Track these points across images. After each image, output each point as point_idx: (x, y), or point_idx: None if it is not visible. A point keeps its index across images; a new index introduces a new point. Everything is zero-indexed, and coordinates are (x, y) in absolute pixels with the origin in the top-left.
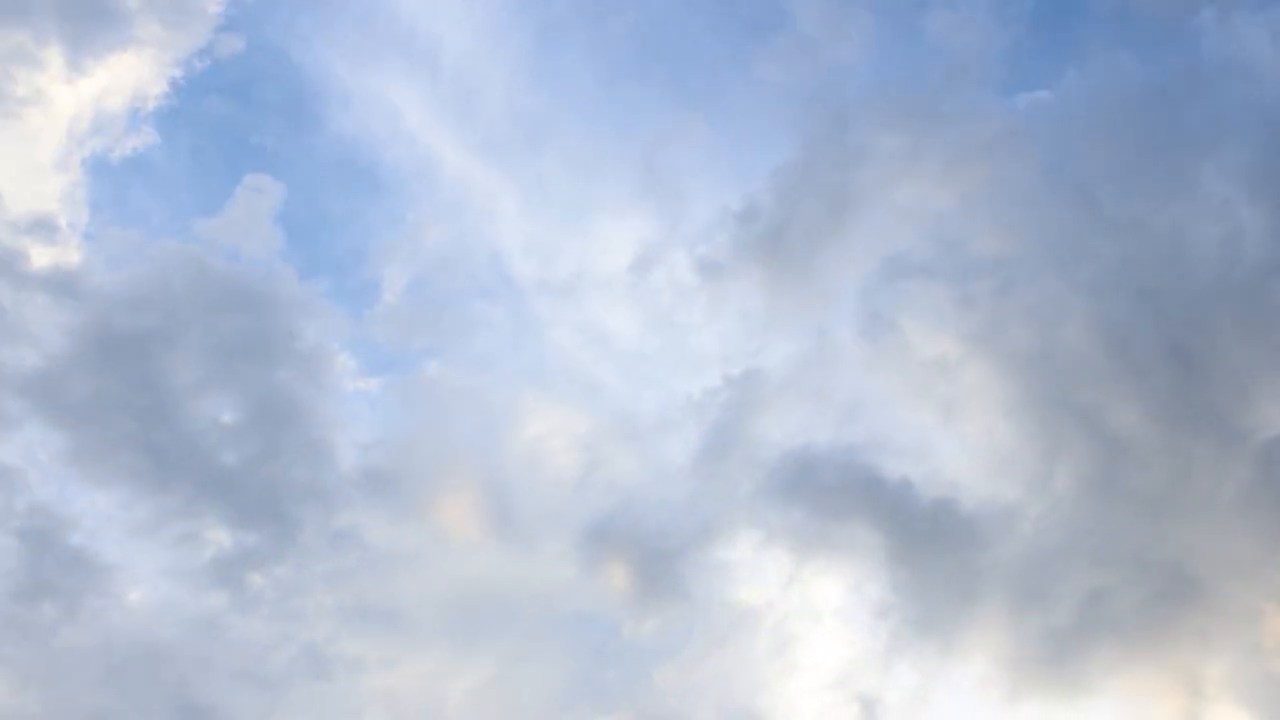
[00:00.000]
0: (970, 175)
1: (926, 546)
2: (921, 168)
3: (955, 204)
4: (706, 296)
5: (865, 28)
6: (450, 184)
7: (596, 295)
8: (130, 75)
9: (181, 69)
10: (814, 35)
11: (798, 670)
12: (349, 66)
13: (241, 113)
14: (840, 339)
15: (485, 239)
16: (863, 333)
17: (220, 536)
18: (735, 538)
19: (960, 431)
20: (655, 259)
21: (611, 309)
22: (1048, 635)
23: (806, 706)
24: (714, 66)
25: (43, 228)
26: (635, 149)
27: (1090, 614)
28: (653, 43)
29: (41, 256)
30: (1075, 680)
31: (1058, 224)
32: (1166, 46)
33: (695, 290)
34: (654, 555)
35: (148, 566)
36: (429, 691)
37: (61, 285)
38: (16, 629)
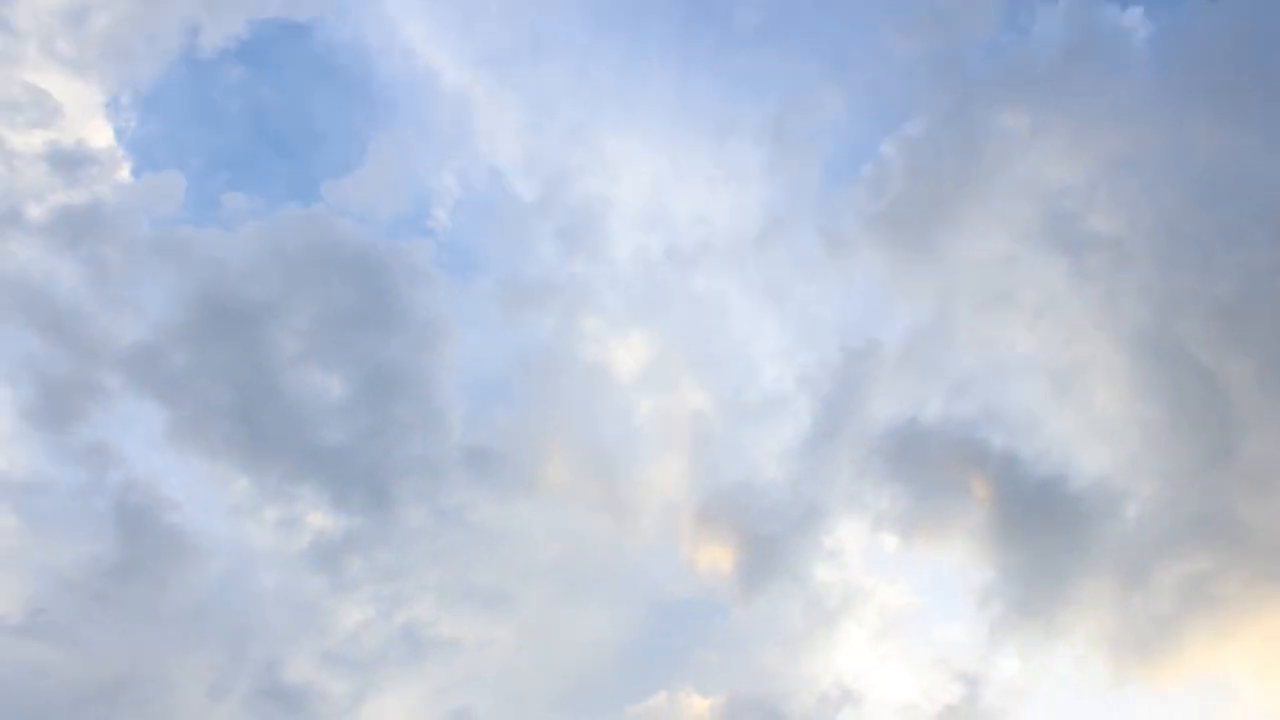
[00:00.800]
0: (1090, 152)
1: (1032, 525)
2: (1043, 143)
3: (1075, 179)
4: (829, 268)
5: (993, 3)
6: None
7: (720, 266)
8: None
9: None
10: (943, 8)
11: (900, 651)
12: None
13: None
14: (957, 312)
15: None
16: (979, 307)
17: (321, 517)
18: (841, 519)
19: (1072, 408)
20: (779, 230)
21: (734, 280)
22: (1151, 616)
23: (908, 687)
24: (845, 37)
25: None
26: (765, 118)
27: (1193, 596)
28: (789, 9)
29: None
30: (1176, 662)
31: (1176, 200)
32: None
33: (819, 261)
34: (761, 537)
35: (243, 545)
36: (525, 671)
37: (171, 248)
38: (110, 606)
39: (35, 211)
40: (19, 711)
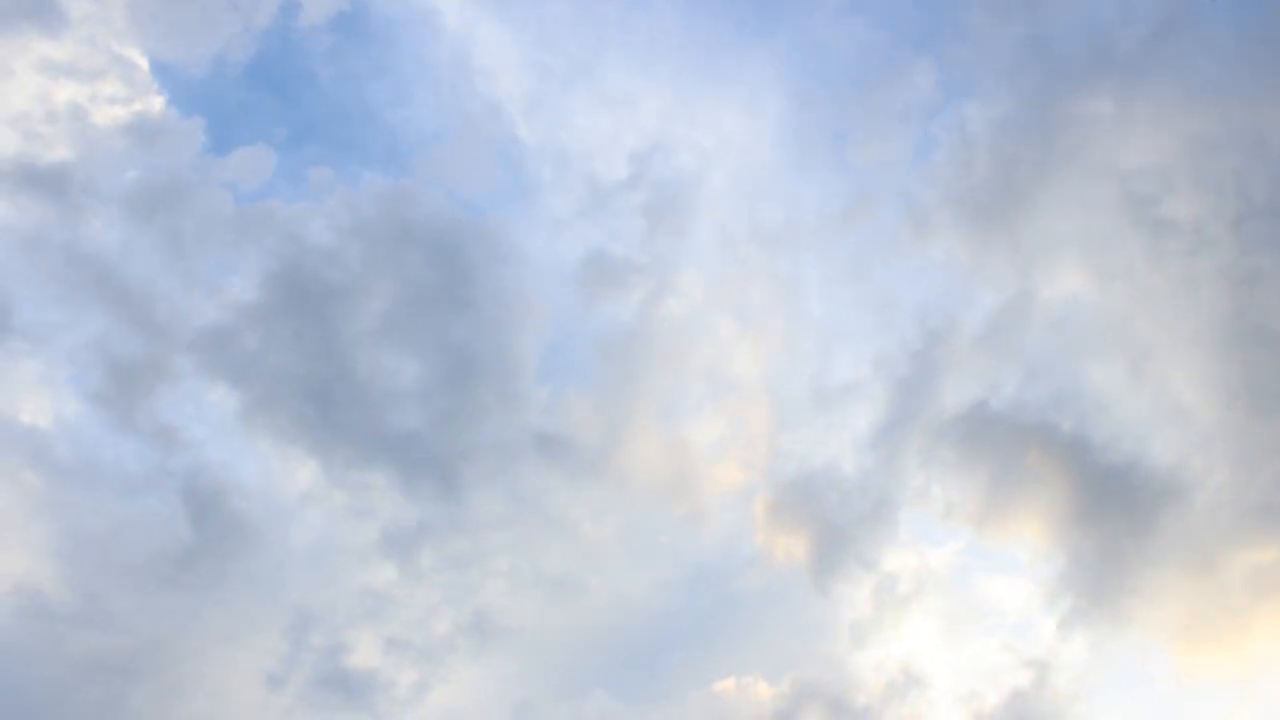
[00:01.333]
0: (1171, 134)
1: (1103, 511)
2: (1125, 125)
3: (1156, 162)
4: (911, 248)
5: None
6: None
7: (801, 245)
8: None
9: None
10: None
11: (968, 638)
12: None
13: None
14: (1034, 294)
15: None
16: (1057, 289)
17: (391, 501)
18: (912, 505)
19: (1147, 393)
20: (864, 208)
21: (816, 259)
22: (1221, 605)
23: (975, 674)
24: (932, 13)
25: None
26: (851, 93)
27: (1264, 585)
28: None
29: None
30: (1246, 651)
31: (1257, 183)
32: None
33: (901, 242)
34: (831, 523)
35: (311, 530)
36: (591, 658)
37: (253, 224)
38: (174, 591)
39: (115, 185)
40: (76, 698)
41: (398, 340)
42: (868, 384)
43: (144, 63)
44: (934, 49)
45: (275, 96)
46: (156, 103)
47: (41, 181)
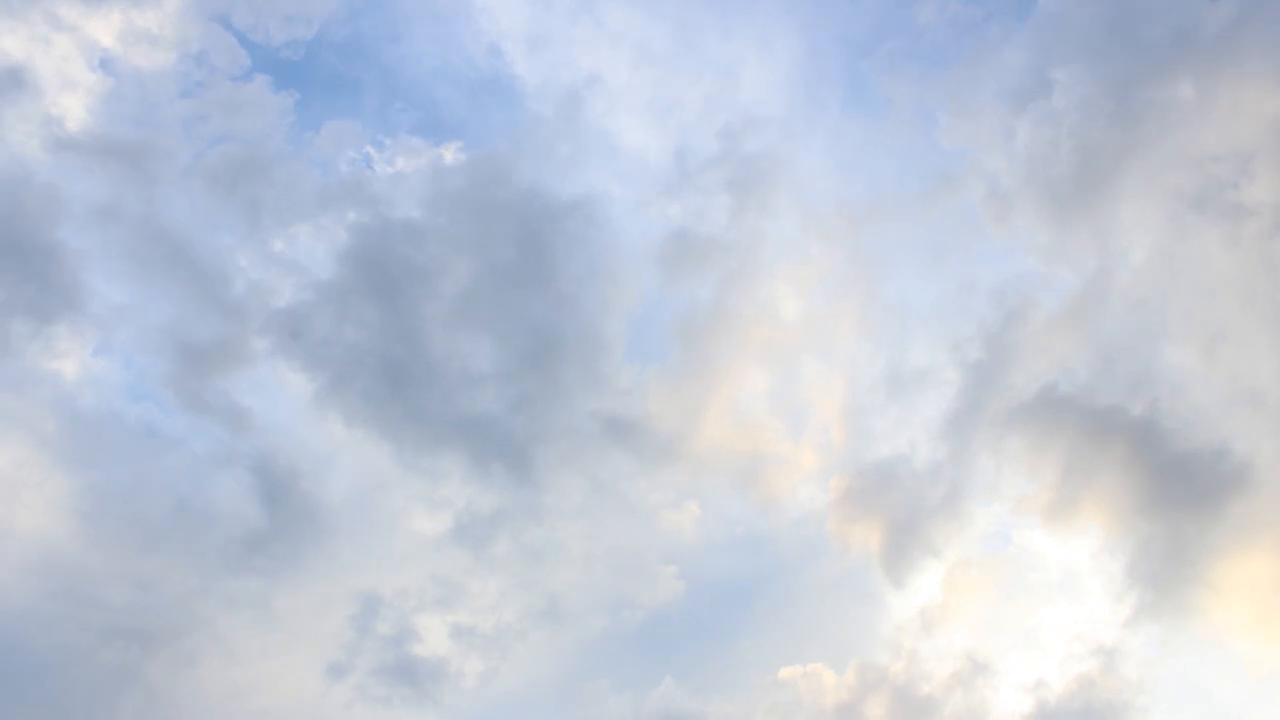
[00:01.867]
0: (1251, 119)
1: (1173, 498)
2: (1205, 110)
3: (1234, 147)
4: (993, 229)
5: None
6: None
7: (883, 224)
8: None
9: None
10: None
11: (1037, 625)
12: None
13: None
14: (1112, 277)
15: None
16: (1134, 272)
17: (463, 485)
18: (983, 491)
19: (1221, 378)
20: (947, 190)
21: (897, 240)
22: None
23: (1044, 660)
24: None
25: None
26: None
27: None
28: None
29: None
30: None
31: None
32: None
33: (982, 222)
34: (902, 510)
35: (380, 515)
36: (657, 645)
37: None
38: (242, 574)
39: (195, 158)
40: (129, 682)
41: (476, 320)
42: (943, 368)
43: (232, 37)
44: (1021, 33)
45: (366, 71)
46: (246, 75)
47: (121, 152)
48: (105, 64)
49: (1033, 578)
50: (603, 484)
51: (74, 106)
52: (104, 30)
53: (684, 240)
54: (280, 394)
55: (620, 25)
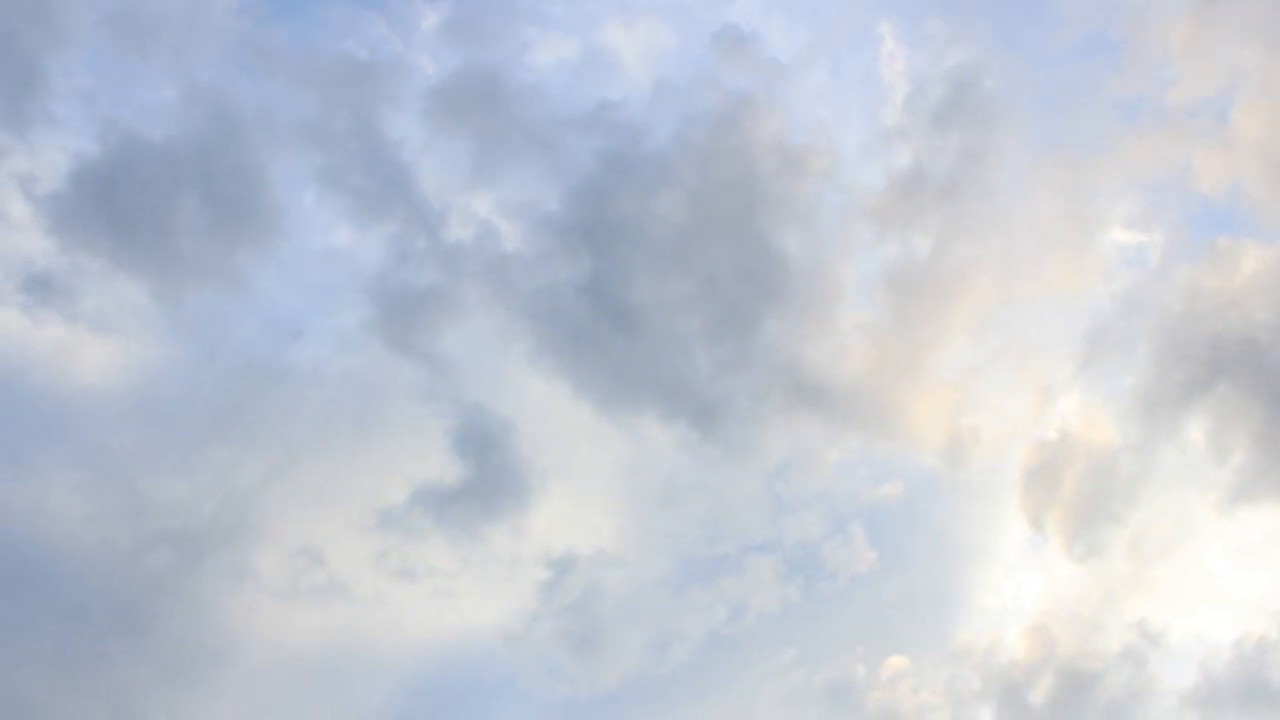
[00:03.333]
0: None
1: None
2: None
3: None
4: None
5: None
6: None
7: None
8: None
9: None
10: None
11: (1215, 598)
12: None
13: None
14: None
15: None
16: None
17: (658, 448)
18: (1161, 466)
19: None
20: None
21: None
22: None
23: (1224, 636)
24: None
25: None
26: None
27: None
28: None
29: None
30: None
31: None
32: None
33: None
34: (1085, 482)
35: (580, 474)
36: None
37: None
38: (438, 529)
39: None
40: (324, 651)
41: (689, 274)
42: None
43: None
44: None
45: None
46: None
47: (345, 74)
48: None
49: (1216, 553)
50: (800, 447)
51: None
52: None
53: (899, 189)
54: (485, 343)
55: None
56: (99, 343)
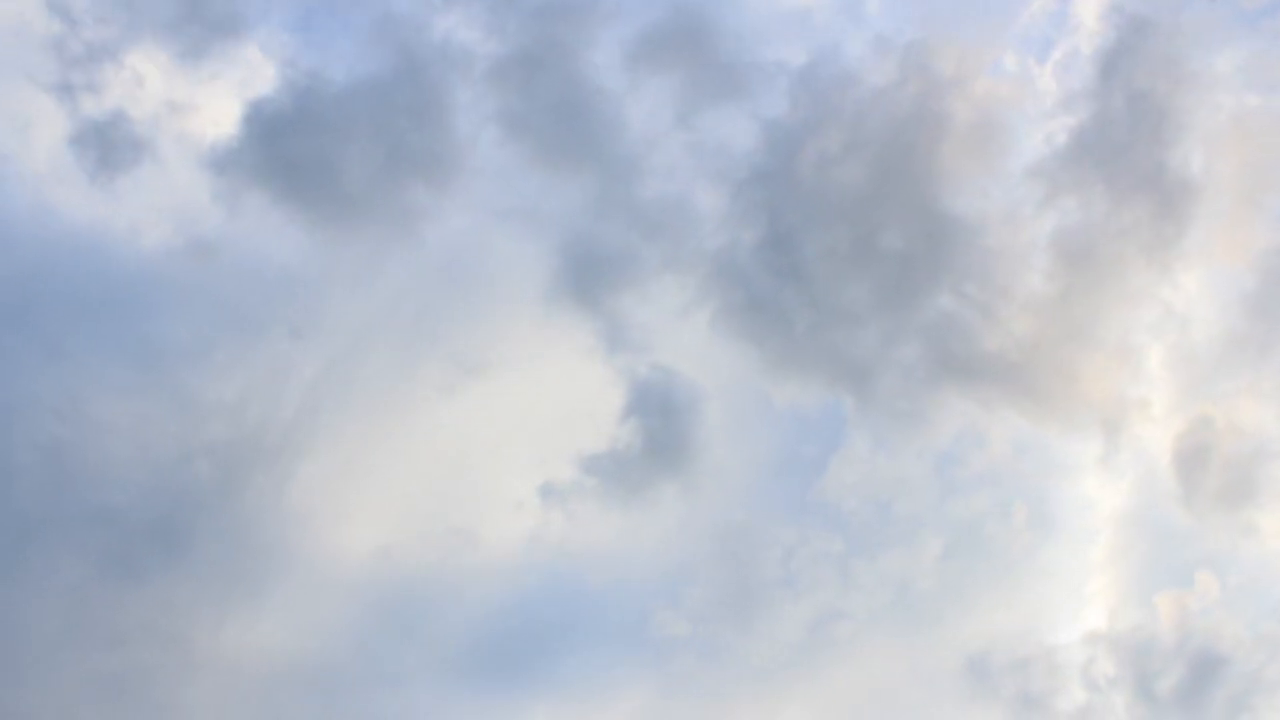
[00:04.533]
0: None
1: None
2: None
3: None
4: None
5: None
6: None
7: None
8: None
9: None
10: None
11: None
12: None
13: None
14: None
15: None
16: None
17: (828, 423)
18: None
19: None
20: None
21: None
22: None
23: None
24: None
25: None
26: None
27: None
28: None
29: None
30: None
31: None
32: None
33: None
34: (1246, 472)
35: (756, 447)
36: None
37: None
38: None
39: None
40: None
41: (864, 243)
42: None
43: None
44: None
45: None
46: None
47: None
48: None
49: None
50: (964, 422)
51: None
52: None
53: (1072, 151)
54: (663, 300)
55: None
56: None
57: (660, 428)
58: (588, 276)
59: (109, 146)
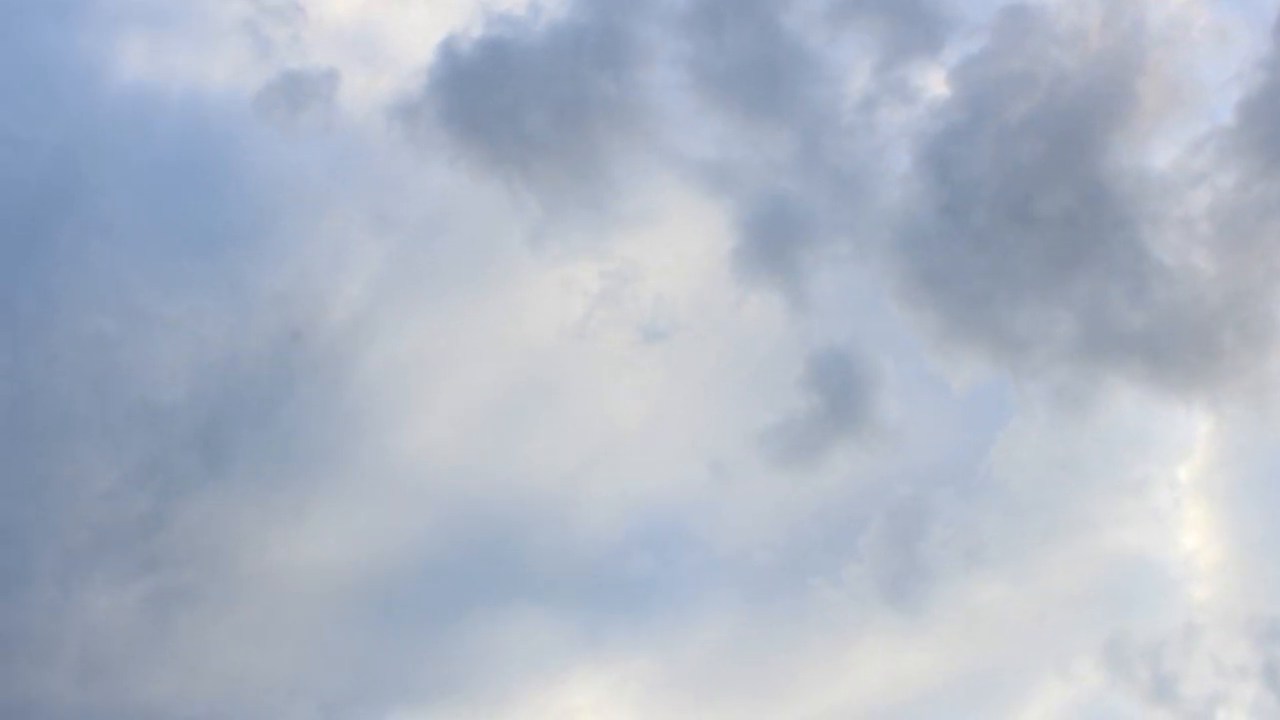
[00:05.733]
0: None
1: None
2: None
3: None
4: None
5: None
6: None
7: None
8: None
9: None
10: None
11: None
12: None
13: None
14: None
15: None
16: None
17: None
18: None
19: None
20: None
21: None
22: None
23: None
24: None
25: None
26: None
27: None
28: None
29: None
30: None
31: None
32: None
33: None
34: None
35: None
36: None
37: None
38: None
39: None
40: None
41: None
42: None
43: None
44: None
45: None
46: None
47: None
48: None
49: None
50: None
51: None
52: None
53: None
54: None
55: None
56: None
57: (833, 395)
58: (774, 237)
59: None
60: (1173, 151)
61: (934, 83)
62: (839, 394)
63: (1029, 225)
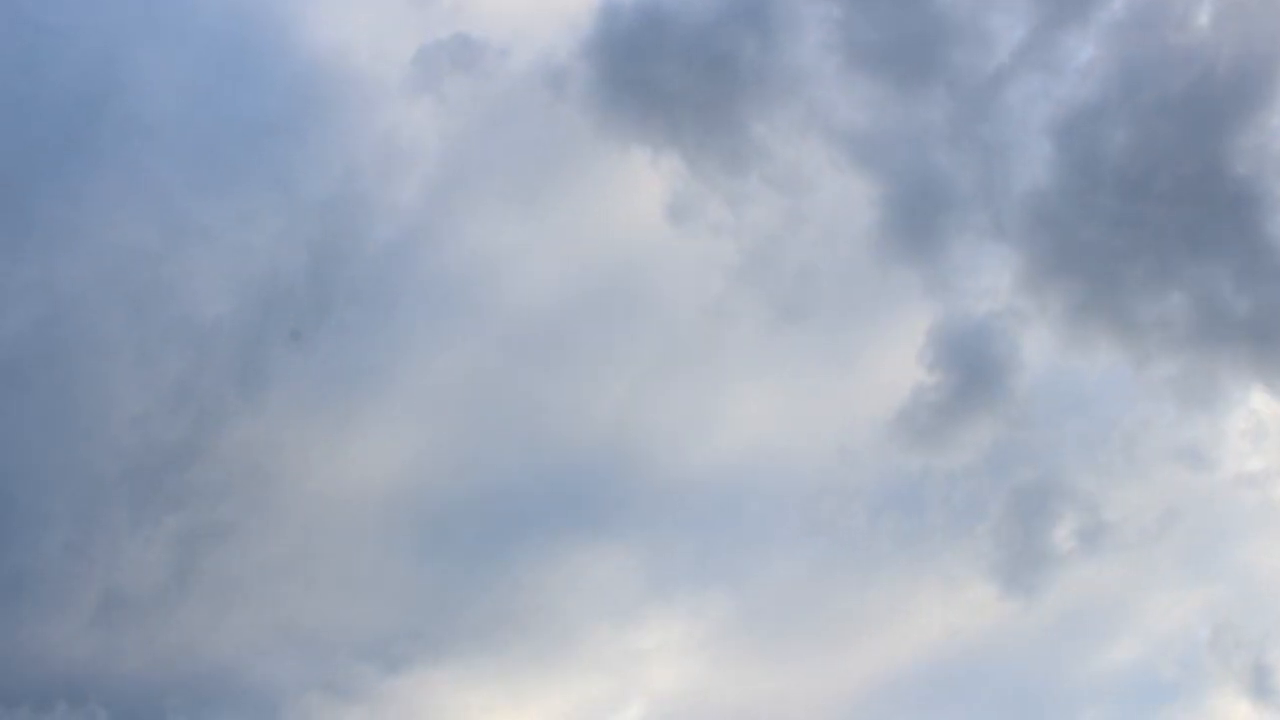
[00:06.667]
0: None
1: None
2: None
3: None
4: None
5: None
6: None
7: None
8: None
9: None
10: None
11: None
12: None
13: None
14: None
15: None
16: None
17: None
18: None
19: None
20: None
21: None
22: None
23: None
24: None
25: None
26: None
27: None
28: None
29: None
30: None
31: None
32: None
33: None
34: None
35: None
36: None
37: None
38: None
39: None
40: None
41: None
42: None
43: None
44: None
45: None
46: None
47: None
48: None
49: None
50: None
51: None
52: None
53: None
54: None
55: None
56: None
57: (965, 376)
58: (919, 212)
59: None
60: None
61: (1080, 53)
62: (970, 372)
63: (1164, 205)
